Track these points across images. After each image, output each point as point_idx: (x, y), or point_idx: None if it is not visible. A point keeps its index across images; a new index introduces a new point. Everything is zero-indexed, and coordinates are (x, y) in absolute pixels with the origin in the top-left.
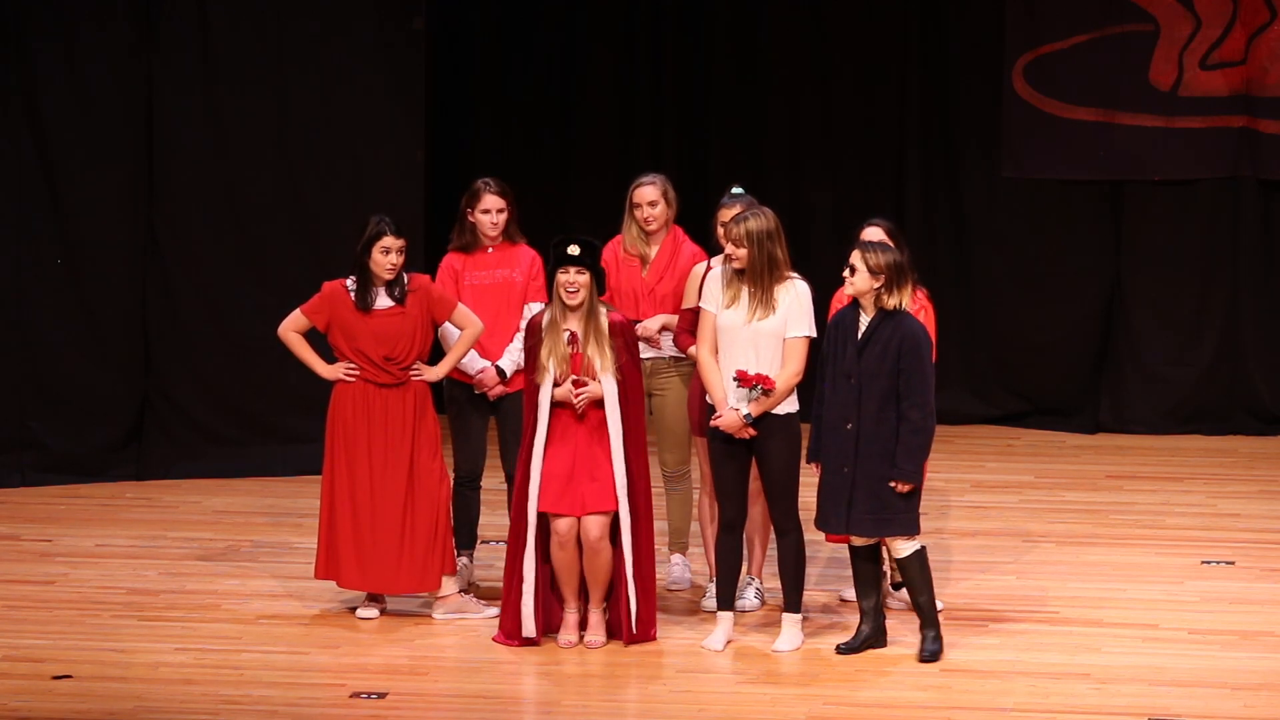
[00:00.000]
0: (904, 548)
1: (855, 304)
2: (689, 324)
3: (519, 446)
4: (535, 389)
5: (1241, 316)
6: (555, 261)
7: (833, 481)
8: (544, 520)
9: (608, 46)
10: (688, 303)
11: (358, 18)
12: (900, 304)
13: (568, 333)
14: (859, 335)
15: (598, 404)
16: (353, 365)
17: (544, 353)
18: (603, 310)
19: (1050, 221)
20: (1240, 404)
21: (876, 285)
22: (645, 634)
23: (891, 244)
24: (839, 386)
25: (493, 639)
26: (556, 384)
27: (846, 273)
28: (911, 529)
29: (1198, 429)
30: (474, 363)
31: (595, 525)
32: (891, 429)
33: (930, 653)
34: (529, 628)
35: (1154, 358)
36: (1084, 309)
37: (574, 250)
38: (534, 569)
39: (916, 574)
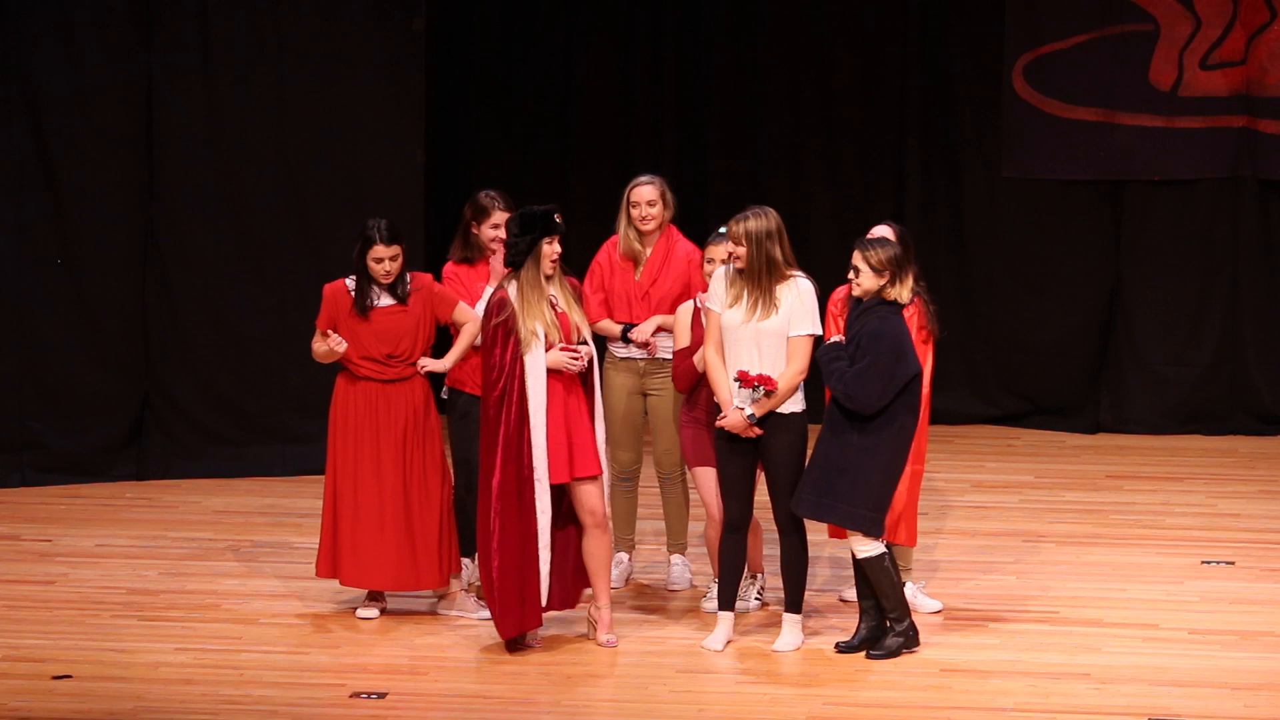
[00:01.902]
0: (861, 549)
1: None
2: (691, 357)
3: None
4: (516, 361)
5: (1241, 316)
6: (543, 232)
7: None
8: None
9: (608, 46)
10: (679, 344)
11: (358, 17)
12: (903, 296)
13: (551, 295)
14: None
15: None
16: (342, 340)
17: (529, 323)
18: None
19: (1050, 221)
20: (1240, 404)
21: (882, 281)
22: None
23: (893, 238)
24: None
25: (504, 640)
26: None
27: (851, 274)
28: (853, 523)
29: (1198, 429)
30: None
31: (589, 501)
32: (848, 417)
33: (886, 650)
34: (546, 596)
35: (1154, 358)
36: (1084, 309)
37: (560, 220)
38: (549, 534)
39: (879, 577)
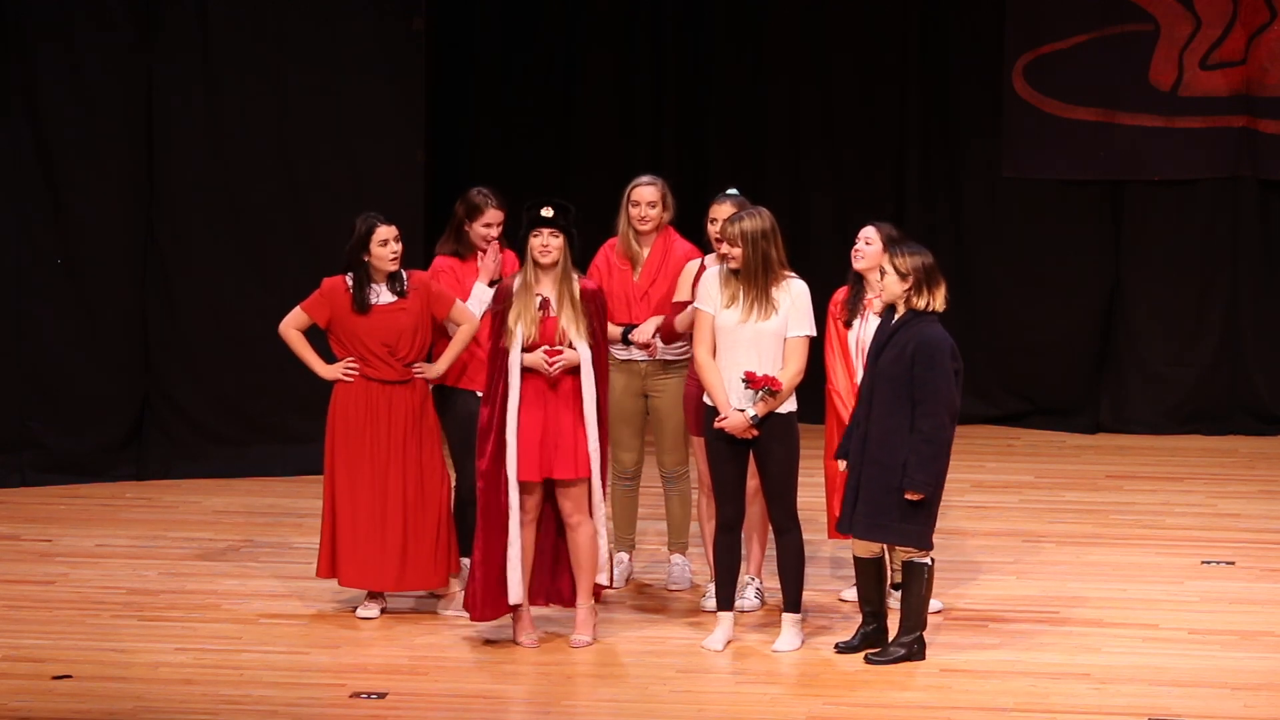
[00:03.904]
0: (908, 554)
1: (893, 308)
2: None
3: None
4: (503, 353)
5: (1241, 316)
6: (529, 225)
7: (850, 482)
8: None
9: (608, 46)
10: (679, 296)
11: (358, 18)
12: (930, 305)
13: (539, 298)
14: (884, 337)
15: (570, 370)
16: (352, 364)
17: (512, 316)
18: (575, 275)
19: (1050, 221)
20: (1240, 404)
21: (906, 287)
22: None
23: (879, 239)
24: (862, 388)
25: (468, 611)
26: (525, 349)
27: (878, 277)
28: (909, 540)
29: (1198, 429)
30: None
31: (571, 498)
32: (898, 435)
33: (887, 655)
34: (515, 593)
35: (1154, 358)
36: (1084, 309)
37: (548, 213)
38: (519, 531)
39: (914, 585)
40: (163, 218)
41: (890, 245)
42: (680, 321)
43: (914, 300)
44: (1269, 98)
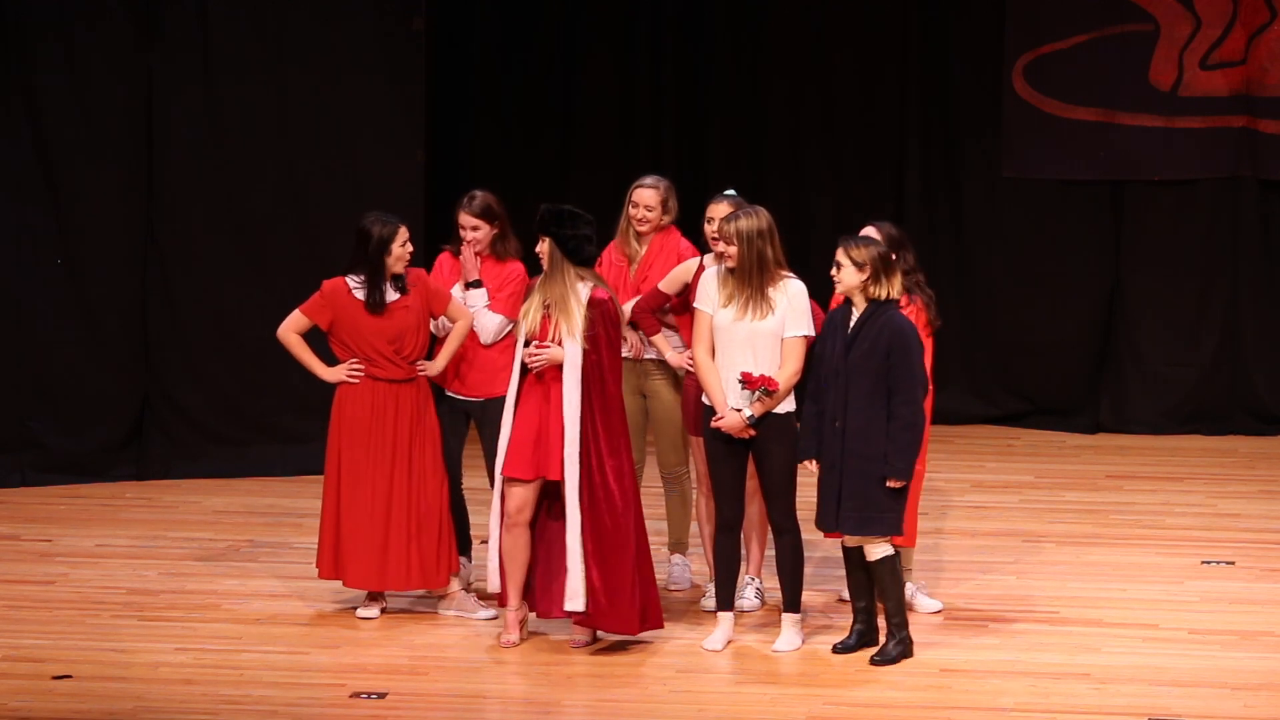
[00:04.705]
0: (876, 551)
1: (848, 301)
2: (653, 304)
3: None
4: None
5: (1241, 316)
6: None
7: (827, 480)
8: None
9: (608, 46)
10: (664, 286)
11: (358, 17)
12: (889, 294)
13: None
14: (848, 331)
15: (560, 368)
16: (357, 364)
17: (523, 310)
18: (587, 283)
19: (1050, 221)
20: (1240, 404)
21: (863, 278)
22: (630, 627)
23: (879, 238)
24: (830, 384)
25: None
26: (527, 343)
27: (834, 271)
28: (895, 529)
29: (1198, 429)
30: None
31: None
32: (878, 426)
33: (888, 656)
34: (493, 582)
35: (1154, 358)
36: (1084, 309)
37: (537, 216)
38: (499, 526)
39: (890, 579)
40: (163, 218)
41: (841, 240)
42: (649, 332)
43: (871, 290)
44: (1269, 98)
